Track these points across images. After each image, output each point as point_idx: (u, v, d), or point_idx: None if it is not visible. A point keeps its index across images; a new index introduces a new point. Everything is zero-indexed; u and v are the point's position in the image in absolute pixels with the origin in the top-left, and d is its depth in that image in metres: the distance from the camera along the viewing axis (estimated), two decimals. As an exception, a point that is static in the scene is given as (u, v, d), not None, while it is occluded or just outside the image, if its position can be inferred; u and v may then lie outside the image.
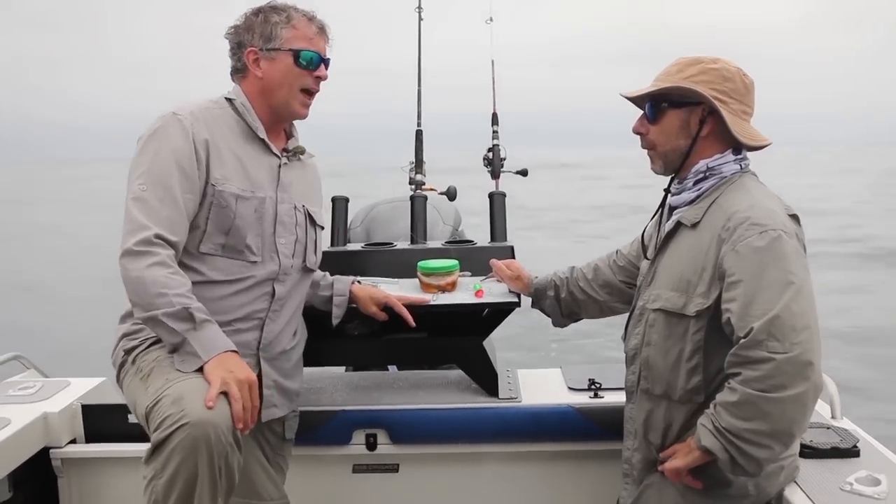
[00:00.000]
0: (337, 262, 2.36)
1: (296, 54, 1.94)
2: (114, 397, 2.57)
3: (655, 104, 1.81)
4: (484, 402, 2.33)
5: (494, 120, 3.02)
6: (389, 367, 2.82)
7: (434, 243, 2.68)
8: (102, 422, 2.40)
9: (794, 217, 1.71)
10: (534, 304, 2.30)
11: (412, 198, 2.81)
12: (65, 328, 9.36)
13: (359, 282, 2.26)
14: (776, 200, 1.74)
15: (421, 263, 2.33)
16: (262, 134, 1.97)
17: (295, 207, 2.02)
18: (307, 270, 2.08)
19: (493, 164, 2.89)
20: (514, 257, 2.45)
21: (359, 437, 2.32)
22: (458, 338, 2.37)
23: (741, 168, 1.80)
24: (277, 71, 1.94)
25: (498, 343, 2.57)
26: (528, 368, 2.63)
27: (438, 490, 2.38)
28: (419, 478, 2.37)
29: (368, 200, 3.49)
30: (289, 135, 2.09)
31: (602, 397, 2.33)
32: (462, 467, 2.37)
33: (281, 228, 1.97)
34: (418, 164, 3.04)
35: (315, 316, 2.20)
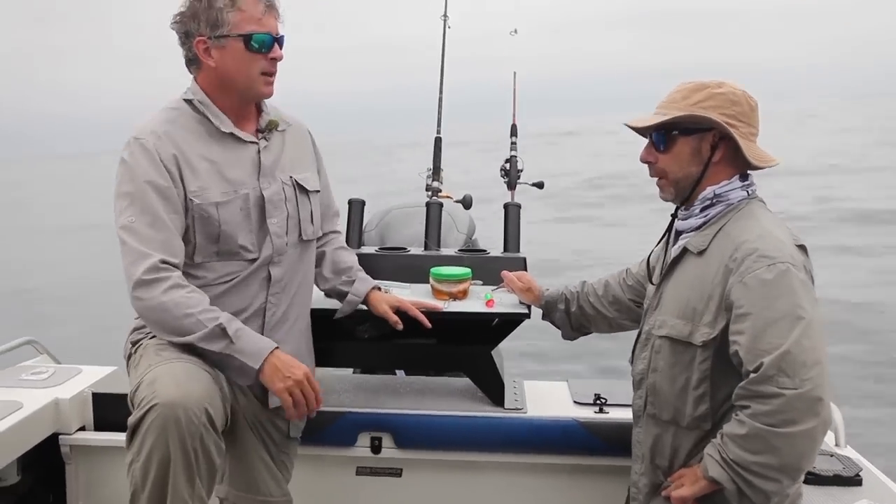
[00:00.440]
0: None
1: (246, 39, 1.85)
2: (124, 387, 2.60)
3: (666, 132, 1.79)
4: (489, 412, 2.34)
5: (513, 131, 3.03)
6: (397, 371, 2.84)
7: (447, 251, 2.69)
8: (112, 410, 2.43)
9: (802, 247, 1.70)
10: (544, 317, 2.32)
11: (428, 204, 2.83)
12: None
13: (379, 288, 2.24)
14: (784, 230, 1.72)
15: (434, 270, 2.35)
16: (230, 128, 1.92)
17: (283, 183, 1.97)
18: (306, 242, 2.05)
19: (510, 175, 2.89)
20: (526, 269, 2.47)
21: (364, 439, 2.34)
22: (466, 346, 2.38)
23: (748, 194, 1.79)
24: (230, 59, 1.86)
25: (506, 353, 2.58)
26: (534, 380, 2.64)
27: (440, 496, 2.39)
28: (422, 483, 2.38)
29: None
30: (260, 110, 2.01)
31: (607, 413, 2.34)
32: (465, 475, 2.38)
33: (271, 208, 1.93)
34: (436, 171, 3.07)
35: (324, 317, 2.22)
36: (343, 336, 2.30)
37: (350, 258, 2.26)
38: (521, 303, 2.31)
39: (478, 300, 2.31)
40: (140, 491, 1.62)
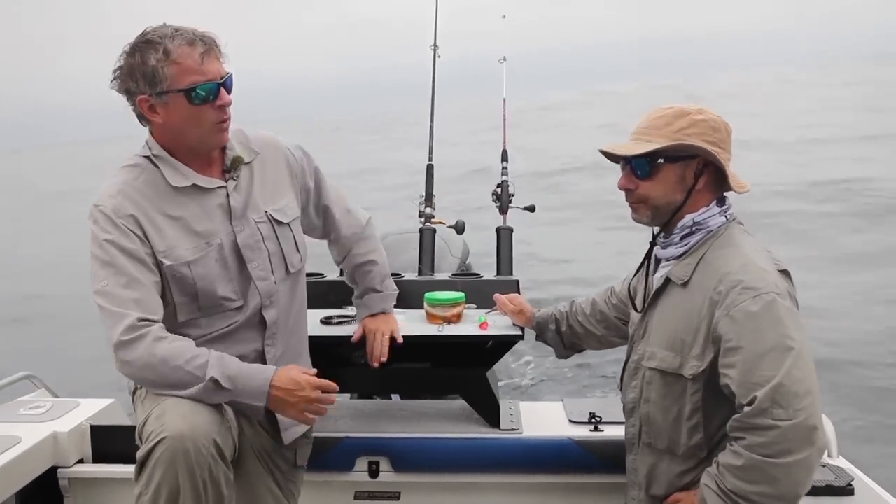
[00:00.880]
0: (346, 291, 2.41)
1: (188, 93, 1.74)
2: (122, 419, 2.62)
3: (651, 160, 1.76)
4: (485, 433, 2.35)
5: (504, 157, 3.08)
6: (393, 395, 2.86)
7: (441, 275, 2.73)
8: (110, 443, 2.44)
9: (785, 272, 1.70)
10: (538, 338, 2.35)
11: (421, 230, 2.87)
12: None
13: (384, 312, 2.29)
14: (765, 256, 1.71)
15: (428, 295, 2.38)
16: (191, 179, 1.83)
17: (257, 223, 1.90)
18: (295, 274, 2.01)
19: (502, 199, 2.93)
20: (518, 291, 2.50)
21: (361, 464, 2.35)
22: (461, 369, 2.40)
23: (727, 219, 1.78)
24: (176, 115, 1.76)
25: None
26: (529, 401, 2.66)
27: None
28: None
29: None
30: (224, 148, 1.91)
31: (602, 430, 2.35)
32: (462, 497, 2.39)
33: (249, 253, 1.88)
34: (428, 198, 3.11)
35: (321, 345, 2.24)
36: (339, 362, 2.33)
37: (366, 253, 2.28)
38: (514, 325, 2.34)
39: (472, 323, 2.33)
40: None
